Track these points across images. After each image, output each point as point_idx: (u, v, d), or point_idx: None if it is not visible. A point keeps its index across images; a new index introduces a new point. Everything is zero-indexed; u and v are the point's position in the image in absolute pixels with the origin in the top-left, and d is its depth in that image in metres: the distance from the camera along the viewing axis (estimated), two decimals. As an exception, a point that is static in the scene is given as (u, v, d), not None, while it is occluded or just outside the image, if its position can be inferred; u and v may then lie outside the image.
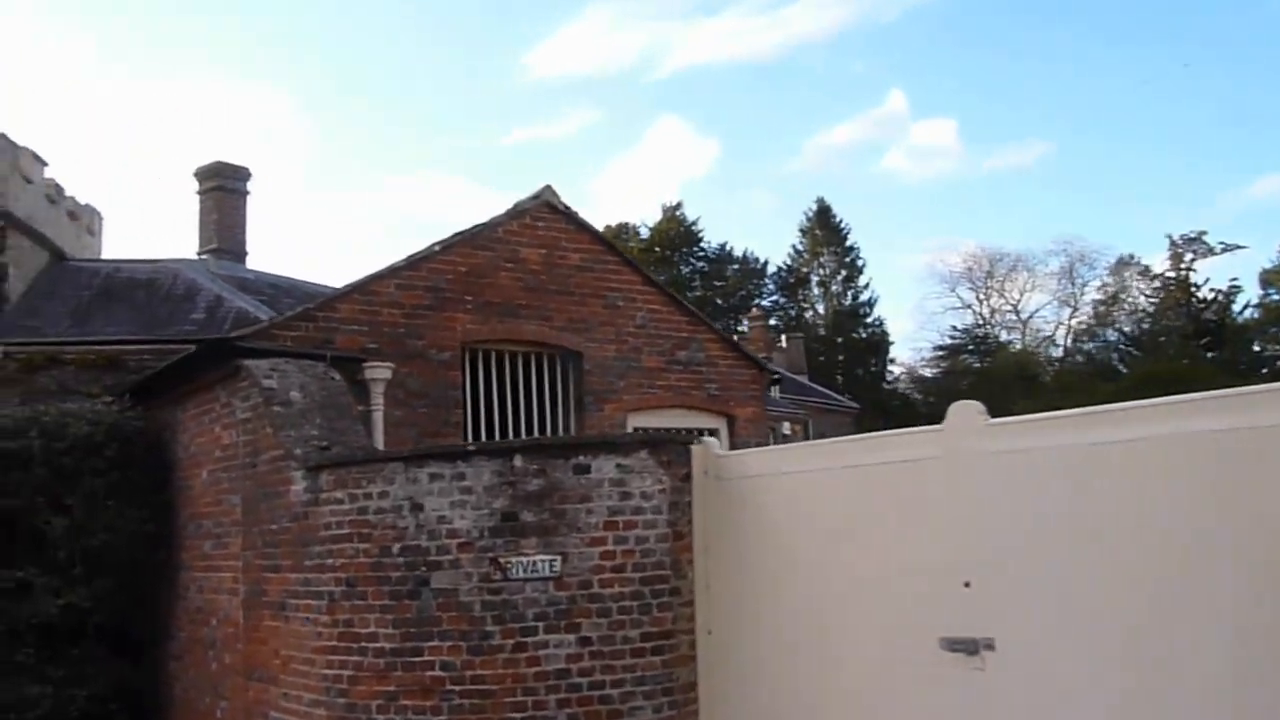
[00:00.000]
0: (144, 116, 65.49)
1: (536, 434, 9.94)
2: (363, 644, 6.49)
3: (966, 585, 5.26)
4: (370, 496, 6.57)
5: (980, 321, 50.01)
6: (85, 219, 20.00)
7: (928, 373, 49.59)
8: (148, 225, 56.43)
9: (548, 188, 10.66)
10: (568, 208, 10.77)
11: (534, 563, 6.31)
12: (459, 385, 9.63)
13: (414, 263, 9.47)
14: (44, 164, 17.49)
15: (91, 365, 15.01)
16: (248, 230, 21.03)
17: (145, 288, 16.97)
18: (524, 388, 10.26)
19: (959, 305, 50.02)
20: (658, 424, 10.81)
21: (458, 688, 6.25)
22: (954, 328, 49.30)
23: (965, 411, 5.47)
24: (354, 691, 6.49)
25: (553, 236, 10.62)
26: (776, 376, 12.78)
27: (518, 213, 10.38)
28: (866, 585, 5.79)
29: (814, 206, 49.74)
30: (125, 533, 8.97)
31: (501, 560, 6.31)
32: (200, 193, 20.83)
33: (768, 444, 12.49)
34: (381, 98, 66.15)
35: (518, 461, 6.42)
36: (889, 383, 49.46)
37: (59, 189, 18.31)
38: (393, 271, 9.32)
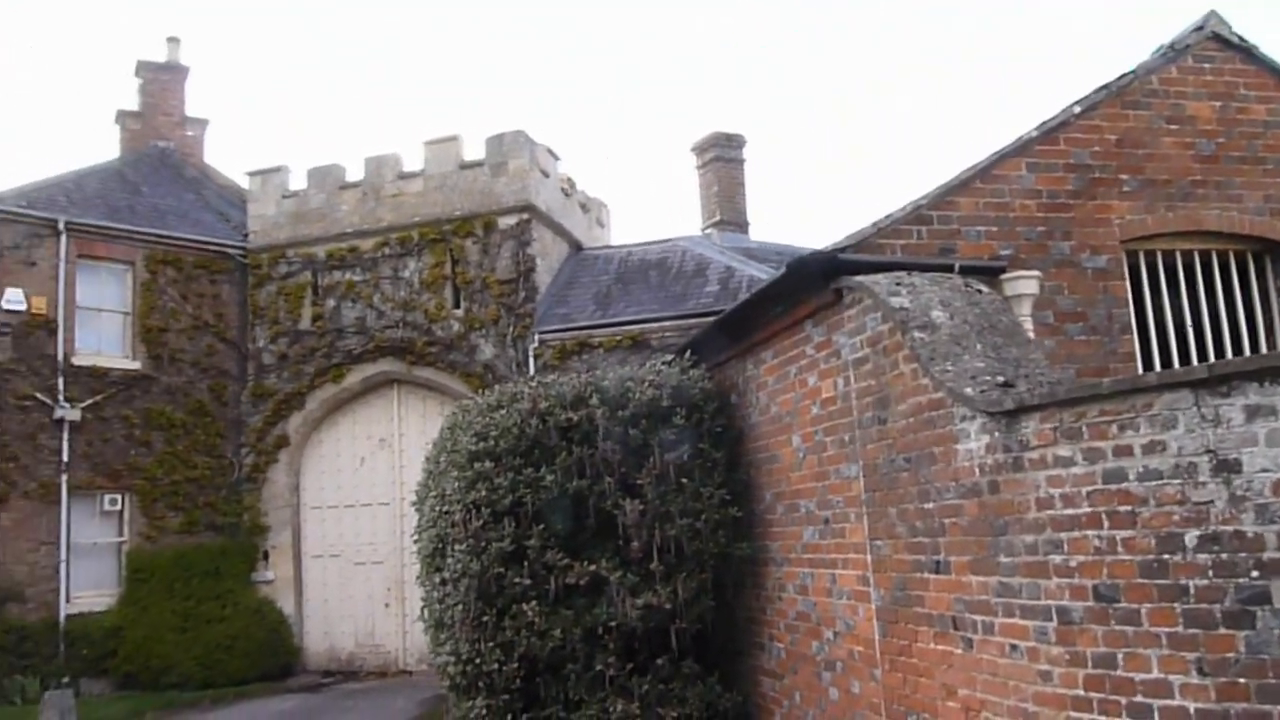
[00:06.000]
0: (629, 100, 67.66)
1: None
2: (1140, 697, 3.87)
3: None
4: (1127, 452, 3.93)
5: None
6: (594, 211, 20.64)
7: None
8: (644, 208, 58.56)
9: (1213, 13, 7.32)
10: (1243, 40, 7.33)
11: None
12: (1124, 301, 6.68)
13: (1047, 133, 6.69)
14: (557, 159, 17.98)
15: (617, 346, 15.50)
16: (747, 199, 20.38)
17: (657, 268, 17.08)
18: (1206, 302, 7.03)
19: None
20: None
21: (1352, 793, 3.40)
22: None
23: None
24: (1129, 776, 3.91)
25: (1226, 83, 7.25)
26: None
27: (1175, 53, 7.16)
28: None
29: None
30: (705, 519, 7.28)
31: None
32: (699, 167, 20.44)
33: None
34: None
35: None
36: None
37: (571, 183, 18.90)
38: (1021, 147, 6.63)
